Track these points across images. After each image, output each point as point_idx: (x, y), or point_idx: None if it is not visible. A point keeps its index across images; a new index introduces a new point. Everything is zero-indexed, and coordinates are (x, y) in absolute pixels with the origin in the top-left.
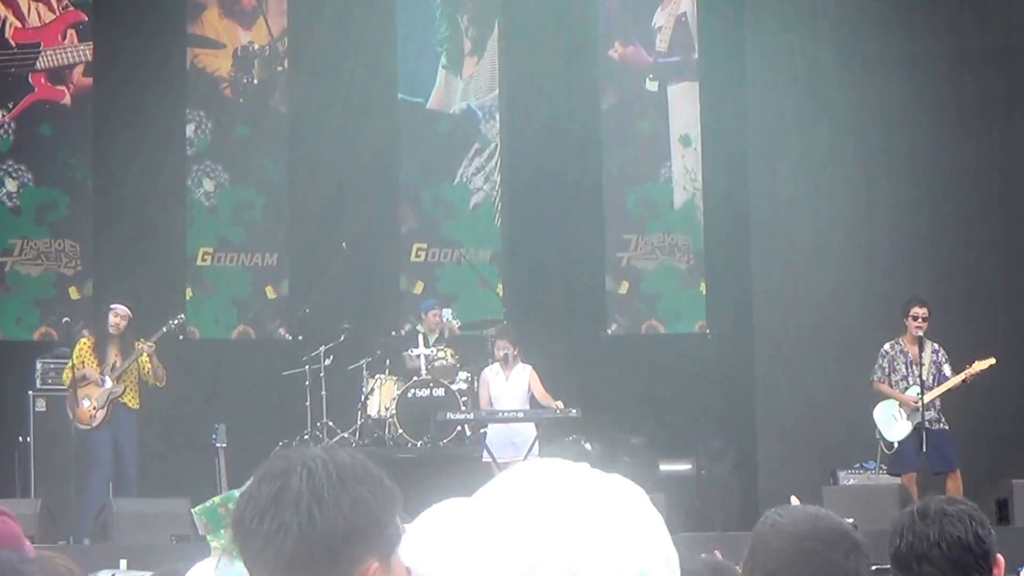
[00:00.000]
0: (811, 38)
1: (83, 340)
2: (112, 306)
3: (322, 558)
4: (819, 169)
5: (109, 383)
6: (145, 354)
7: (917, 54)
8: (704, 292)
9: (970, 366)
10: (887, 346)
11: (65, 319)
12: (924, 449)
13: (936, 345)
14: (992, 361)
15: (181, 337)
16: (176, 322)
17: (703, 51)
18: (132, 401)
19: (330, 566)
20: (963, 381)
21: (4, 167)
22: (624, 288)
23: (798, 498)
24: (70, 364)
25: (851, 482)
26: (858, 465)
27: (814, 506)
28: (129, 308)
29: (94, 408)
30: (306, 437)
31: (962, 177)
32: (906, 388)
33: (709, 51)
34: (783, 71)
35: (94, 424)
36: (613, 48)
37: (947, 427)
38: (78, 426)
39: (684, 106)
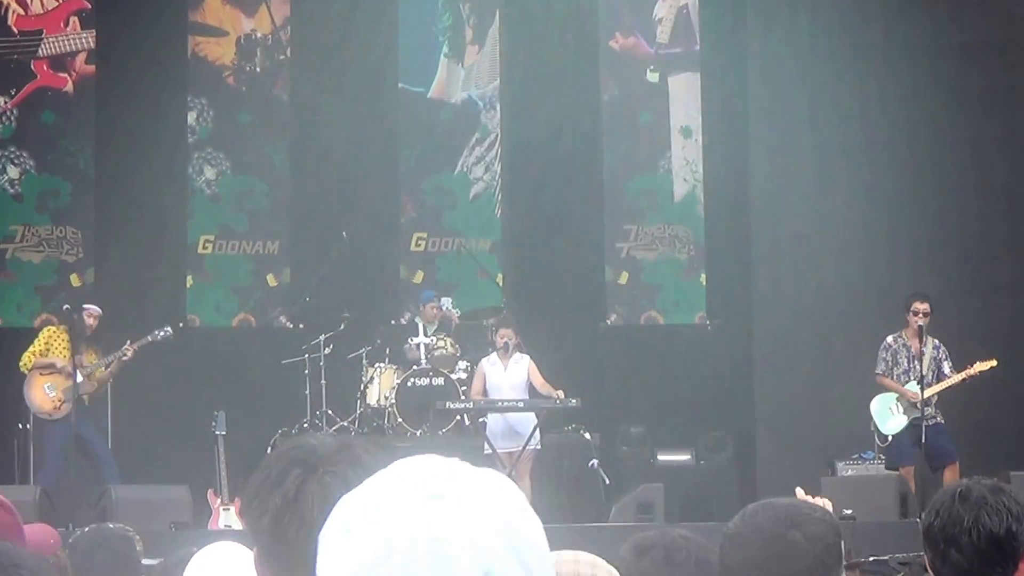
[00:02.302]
0: (813, 29)
1: (51, 328)
2: (85, 307)
3: None
4: (820, 160)
5: (80, 379)
6: (125, 357)
7: (919, 45)
8: (704, 283)
9: (971, 366)
10: (889, 339)
11: (65, 306)
12: (923, 441)
13: (937, 341)
14: (993, 363)
15: (181, 324)
16: (163, 333)
17: (704, 42)
18: (86, 397)
19: None
20: (963, 380)
21: (6, 154)
22: (624, 278)
23: (803, 489)
24: (33, 349)
25: (849, 473)
26: (856, 456)
27: (784, 498)
28: (100, 307)
29: (59, 400)
30: (305, 425)
31: (964, 169)
32: (907, 382)
33: (710, 42)
34: (784, 62)
35: (55, 416)
36: (614, 39)
37: (942, 421)
38: (37, 414)
39: (685, 97)
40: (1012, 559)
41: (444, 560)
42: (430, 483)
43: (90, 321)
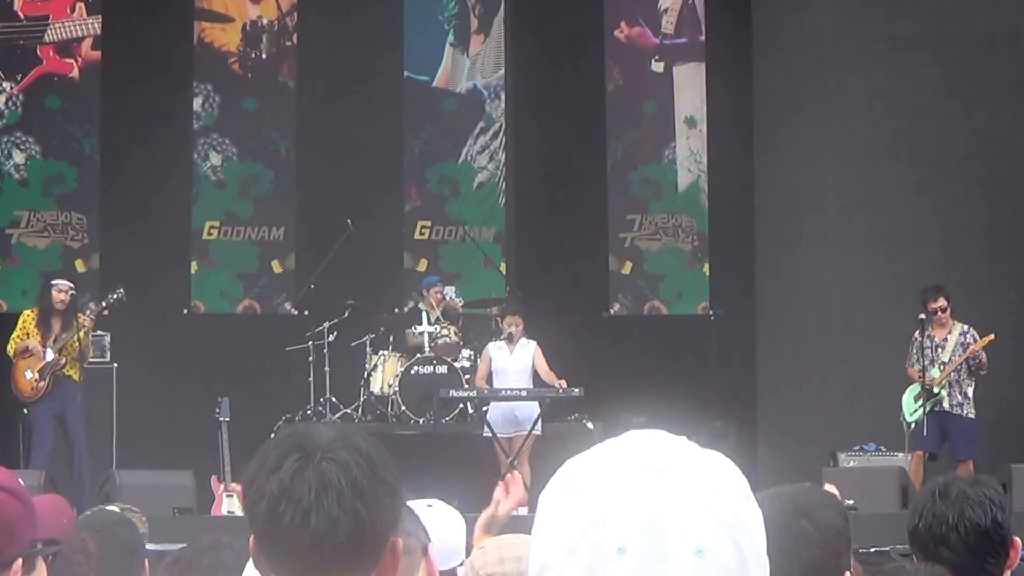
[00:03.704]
0: (818, 21)
1: (27, 312)
2: (54, 282)
3: (369, 551)
4: (824, 151)
5: (51, 355)
6: (84, 329)
7: (925, 37)
8: (707, 273)
9: (975, 342)
10: (916, 333)
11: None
12: (924, 433)
13: (966, 327)
14: (991, 337)
15: (185, 311)
16: (116, 296)
17: (710, 33)
18: (75, 374)
19: (374, 556)
20: (965, 360)
21: (12, 139)
22: (627, 268)
23: (832, 483)
24: (14, 335)
25: (851, 464)
26: (858, 447)
27: (789, 485)
28: (71, 282)
29: (36, 380)
30: (309, 412)
31: (967, 161)
32: (931, 371)
33: (716, 33)
34: (789, 53)
35: (36, 396)
36: (619, 28)
37: (973, 415)
38: (21, 398)
39: (690, 87)
40: (1002, 547)
41: (657, 532)
42: (655, 456)
43: (60, 296)
